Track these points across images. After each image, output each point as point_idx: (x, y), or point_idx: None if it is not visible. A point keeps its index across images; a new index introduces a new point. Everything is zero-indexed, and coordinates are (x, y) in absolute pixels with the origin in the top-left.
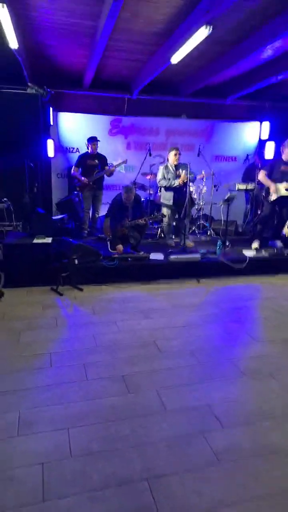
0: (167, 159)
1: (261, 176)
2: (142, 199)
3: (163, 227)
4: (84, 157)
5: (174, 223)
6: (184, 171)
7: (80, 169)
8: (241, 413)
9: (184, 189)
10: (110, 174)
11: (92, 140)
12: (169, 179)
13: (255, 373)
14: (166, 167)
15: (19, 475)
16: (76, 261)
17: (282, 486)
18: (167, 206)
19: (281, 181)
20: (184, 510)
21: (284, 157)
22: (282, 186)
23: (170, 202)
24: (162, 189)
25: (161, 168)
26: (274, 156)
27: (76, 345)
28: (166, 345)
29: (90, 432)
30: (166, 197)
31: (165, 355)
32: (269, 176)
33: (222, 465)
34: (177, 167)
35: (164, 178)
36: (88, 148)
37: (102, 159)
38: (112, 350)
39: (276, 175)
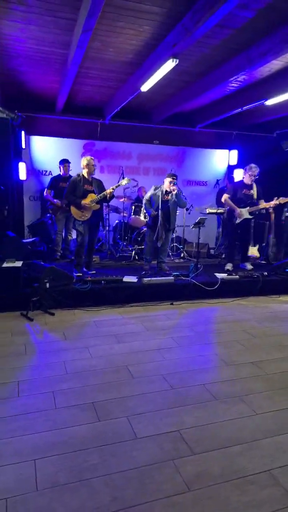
0: (164, 181)
1: (225, 199)
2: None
3: (137, 248)
4: (56, 180)
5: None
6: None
7: (52, 191)
8: (211, 439)
9: (168, 212)
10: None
11: (64, 162)
12: (153, 201)
13: (225, 397)
14: (157, 188)
15: None
16: (48, 285)
17: None
18: (148, 227)
19: (242, 203)
20: None
21: (245, 180)
22: (245, 211)
23: (149, 223)
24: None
25: (153, 188)
26: (226, 181)
27: (46, 372)
28: (139, 370)
29: (57, 463)
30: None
31: (137, 380)
32: (232, 199)
33: (192, 493)
34: (167, 192)
35: (149, 200)
36: (60, 170)
37: None
38: (83, 377)
39: (239, 198)
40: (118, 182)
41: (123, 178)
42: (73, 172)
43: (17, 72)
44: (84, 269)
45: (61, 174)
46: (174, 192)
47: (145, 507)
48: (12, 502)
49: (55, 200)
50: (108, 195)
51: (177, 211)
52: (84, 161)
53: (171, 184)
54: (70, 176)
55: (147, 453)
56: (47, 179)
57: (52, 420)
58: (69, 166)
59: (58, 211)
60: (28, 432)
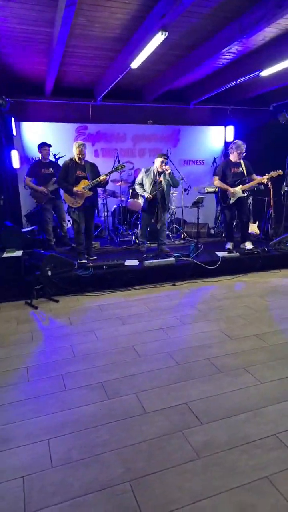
0: (153, 162)
1: (216, 182)
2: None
3: (137, 232)
4: (36, 166)
5: (148, 228)
6: (161, 179)
7: (34, 179)
8: (217, 409)
9: (162, 193)
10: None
11: (43, 146)
12: (145, 183)
13: (230, 370)
14: (148, 170)
15: None
16: (49, 273)
17: (257, 474)
18: (142, 210)
19: (233, 183)
20: (166, 505)
21: (232, 158)
22: (238, 188)
23: (144, 207)
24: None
25: (143, 170)
26: (223, 159)
27: (53, 357)
28: (144, 349)
29: (70, 441)
30: (141, 202)
31: (143, 359)
32: (222, 179)
33: (201, 460)
34: (159, 173)
35: (141, 183)
36: (41, 155)
37: (57, 167)
38: (91, 359)
39: (228, 178)
40: (113, 166)
41: (118, 161)
42: (65, 158)
43: (2, 55)
44: (86, 256)
45: (41, 159)
46: (167, 172)
47: (157, 476)
48: (28, 480)
49: (39, 187)
50: (102, 182)
51: (171, 191)
52: (74, 146)
53: (163, 164)
54: (51, 161)
55: (156, 426)
56: None
57: (62, 401)
58: (49, 151)
59: (43, 199)
60: (40, 414)
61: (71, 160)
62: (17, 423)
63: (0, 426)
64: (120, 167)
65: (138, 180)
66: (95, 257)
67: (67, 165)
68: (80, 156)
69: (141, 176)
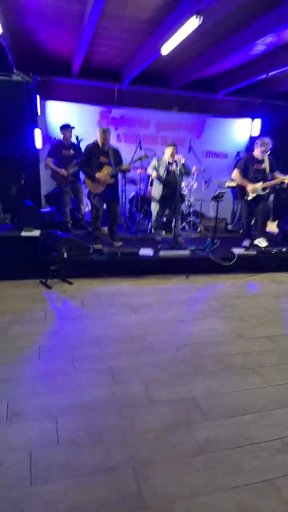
0: (163, 153)
1: (236, 175)
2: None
3: (152, 222)
4: (57, 147)
5: (164, 219)
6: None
7: (54, 159)
8: (223, 407)
9: (174, 184)
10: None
11: (65, 127)
12: (160, 172)
13: (239, 369)
14: (160, 160)
15: (6, 462)
16: (65, 255)
17: (261, 476)
18: (156, 200)
19: (255, 180)
20: (166, 496)
21: (255, 154)
22: (258, 185)
23: (159, 197)
24: (154, 183)
25: (155, 159)
26: (246, 153)
27: (65, 338)
28: (154, 340)
29: (77, 422)
30: (156, 192)
31: (152, 349)
32: (244, 174)
33: (204, 456)
34: (171, 163)
35: (154, 168)
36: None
37: (78, 150)
38: (101, 344)
39: (250, 173)
40: (134, 154)
41: (140, 148)
42: (87, 141)
43: (32, 31)
44: (109, 241)
45: (62, 140)
46: (181, 162)
47: (159, 465)
48: (35, 454)
49: (59, 169)
50: (124, 171)
51: (191, 183)
52: (99, 132)
53: (174, 153)
54: (73, 143)
55: (161, 417)
56: None
57: (72, 382)
58: (71, 133)
59: (63, 181)
60: (50, 392)
61: (95, 144)
62: (27, 398)
63: (11, 399)
64: (144, 157)
65: (152, 166)
66: (120, 243)
67: (91, 149)
68: (104, 142)
69: (154, 162)
